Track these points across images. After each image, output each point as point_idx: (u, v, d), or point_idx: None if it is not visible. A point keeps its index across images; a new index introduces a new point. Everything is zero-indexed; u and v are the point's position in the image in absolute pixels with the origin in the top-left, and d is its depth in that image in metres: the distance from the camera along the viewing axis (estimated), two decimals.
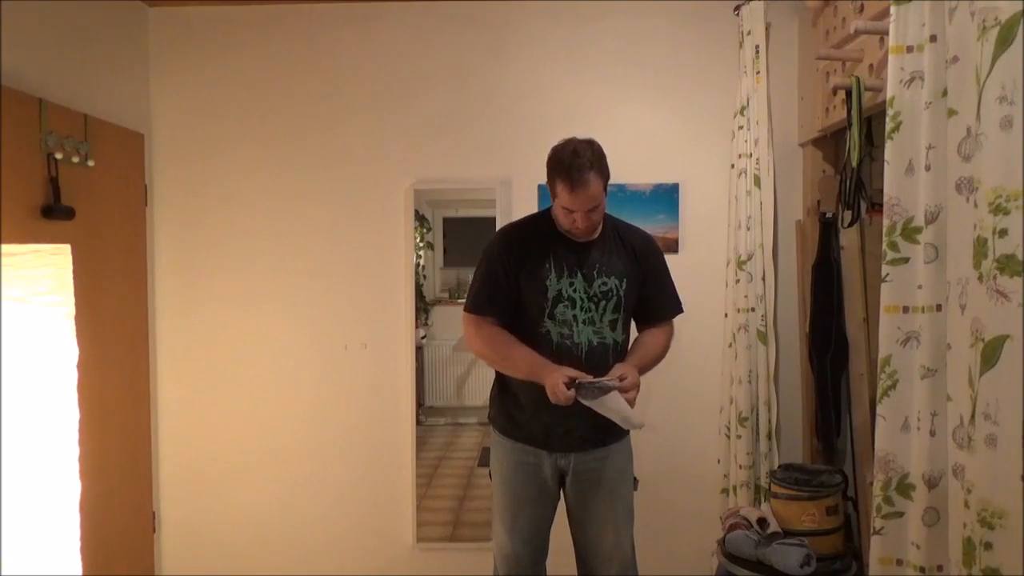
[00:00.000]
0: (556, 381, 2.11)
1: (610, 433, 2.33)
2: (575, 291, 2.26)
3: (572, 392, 2.10)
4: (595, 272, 2.27)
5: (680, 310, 2.44)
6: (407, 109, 3.33)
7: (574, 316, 2.25)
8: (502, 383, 2.40)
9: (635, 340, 2.39)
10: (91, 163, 2.81)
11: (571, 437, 2.30)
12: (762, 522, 2.62)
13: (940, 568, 1.71)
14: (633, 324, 2.43)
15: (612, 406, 2.13)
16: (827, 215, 2.88)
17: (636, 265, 2.32)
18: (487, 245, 2.38)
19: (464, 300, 2.38)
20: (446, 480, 3.64)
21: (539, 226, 2.33)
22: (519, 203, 3.22)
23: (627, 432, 2.39)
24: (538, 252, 2.29)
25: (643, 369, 2.28)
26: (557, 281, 2.26)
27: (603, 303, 2.27)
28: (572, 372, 2.13)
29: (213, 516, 3.39)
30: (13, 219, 2.41)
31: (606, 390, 2.12)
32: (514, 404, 2.35)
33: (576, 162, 2.13)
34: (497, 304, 2.30)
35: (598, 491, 2.34)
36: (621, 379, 2.14)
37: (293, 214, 3.36)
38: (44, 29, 2.69)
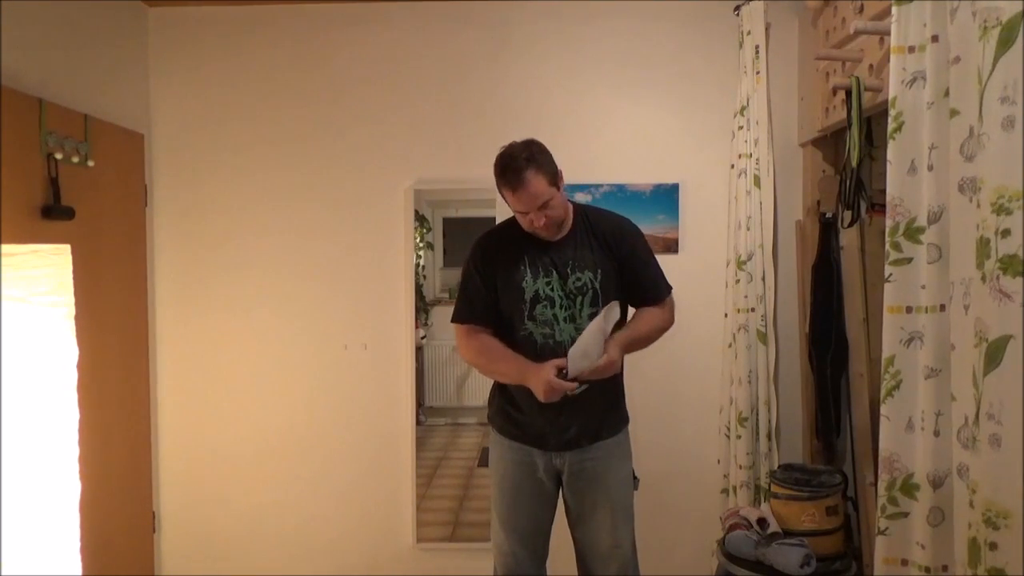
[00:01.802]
0: (547, 379, 2.11)
1: (604, 428, 2.34)
2: (552, 290, 2.27)
3: (570, 384, 2.11)
4: (569, 269, 2.27)
5: (669, 289, 2.40)
6: (407, 109, 3.32)
7: (554, 315, 2.26)
8: (500, 382, 2.41)
9: (631, 317, 2.38)
10: (91, 163, 2.80)
11: (565, 435, 2.30)
12: (762, 522, 2.62)
13: (945, 568, 1.71)
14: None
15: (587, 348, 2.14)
16: (827, 215, 2.88)
17: (609, 254, 2.31)
18: (466, 257, 2.40)
19: None
20: (446, 480, 3.64)
21: (513, 231, 2.33)
22: None
23: (621, 427, 2.40)
24: (512, 256, 2.30)
25: (634, 344, 2.29)
26: (533, 282, 2.27)
27: (579, 298, 2.27)
28: (558, 362, 2.14)
29: (213, 516, 3.39)
30: (13, 219, 2.40)
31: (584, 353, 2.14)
32: (511, 403, 2.36)
33: (512, 164, 2.16)
34: (479, 313, 2.33)
35: (594, 490, 2.34)
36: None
37: (293, 214, 3.35)
38: (44, 29, 2.69)
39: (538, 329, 2.27)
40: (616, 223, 2.39)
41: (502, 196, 2.25)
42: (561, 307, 2.26)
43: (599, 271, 2.28)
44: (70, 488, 1.08)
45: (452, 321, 2.38)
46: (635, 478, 2.42)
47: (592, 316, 2.26)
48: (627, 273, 2.33)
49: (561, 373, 2.12)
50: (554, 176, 2.21)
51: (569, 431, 2.30)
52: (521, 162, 2.15)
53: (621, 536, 2.35)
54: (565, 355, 2.20)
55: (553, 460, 2.34)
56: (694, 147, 3.27)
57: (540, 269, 2.28)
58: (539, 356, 2.22)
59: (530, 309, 2.27)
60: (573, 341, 2.23)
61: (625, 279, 2.33)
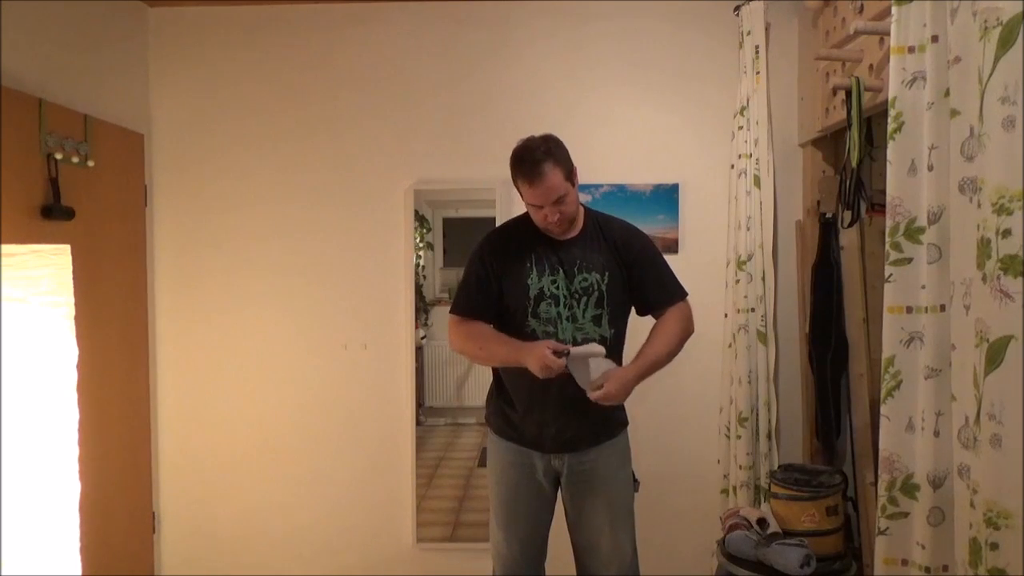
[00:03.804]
0: (541, 355, 2.09)
1: (603, 431, 2.34)
2: (557, 288, 2.27)
3: (563, 362, 2.10)
4: (576, 269, 2.27)
5: (683, 293, 2.36)
6: (407, 109, 3.32)
7: (558, 313, 2.26)
8: (498, 383, 2.41)
9: (647, 339, 2.32)
10: (91, 163, 2.80)
11: (563, 437, 2.30)
12: (762, 522, 2.61)
13: (945, 568, 1.71)
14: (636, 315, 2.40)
15: (590, 370, 2.14)
16: (827, 215, 2.88)
17: (618, 257, 2.30)
18: (473, 249, 2.40)
19: None
20: (446, 480, 3.64)
21: (522, 227, 2.34)
22: (519, 203, 3.18)
23: (620, 430, 2.39)
24: (520, 252, 2.30)
25: (653, 367, 2.25)
26: (539, 279, 2.27)
27: (584, 299, 2.26)
28: (553, 344, 2.13)
29: (213, 516, 3.39)
30: (13, 219, 2.41)
31: (591, 354, 2.14)
32: (508, 404, 2.36)
33: (530, 157, 2.16)
34: (478, 305, 2.33)
35: (593, 492, 2.34)
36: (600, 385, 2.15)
37: (293, 214, 3.35)
38: (44, 29, 2.69)
39: (541, 327, 2.26)
40: (626, 227, 2.39)
41: (517, 189, 2.25)
42: (565, 306, 2.26)
43: (606, 273, 2.28)
44: (70, 488, 1.08)
45: (451, 312, 2.37)
46: (635, 480, 2.42)
47: (596, 319, 2.27)
48: (635, 275, 2.32)
49: (561, 353, 2.11)
50: (570, 172, 2.22)
51: (567, 433, 2.29)
52: (539, 155, 2.15)
53: (621, 539, 2.34)
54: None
55: (552, 462, 2.34)
56: (694, 147, 3.27)
57: (547, 267, 2.28)
58: None
59: (534, 306, 2.27)
60: (575, 341, 2.23)
61: (634, 281, 2.32)
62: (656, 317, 2.36)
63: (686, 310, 2.36)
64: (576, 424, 2.28)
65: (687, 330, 2.34)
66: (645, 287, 2.34)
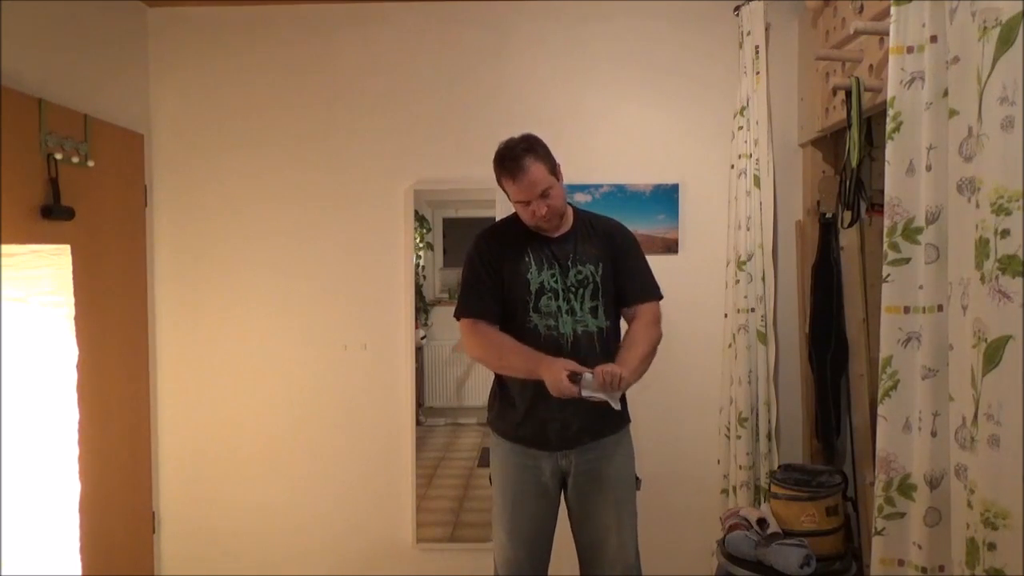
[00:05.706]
0: (558, 376, 2.10)
1: (607, 424, 2.33)
2: (556, 282, 2.29)
3: (576, 388, 2.10)
4: (570, 262, 2.30)
5: (658, 294, 2.39)
6: (407, 109, 3.32)
7: (558, 307, 2.28)
8: (500, 384, 2.41)
9: (622, 342, 2.33)
10: (91, 163, 2.80)
11: (568, 432, 2.30)
12: (762, 522, 2.62)
13: (942, 568, 1.71)
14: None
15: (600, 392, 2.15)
16: (827, 215, 2.88)
17: (608, 250, 2.35)
18: (467, 252, 2.41)
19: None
20: (446, 480, 3.64)
21: (514, 226, 2.36)
22: None
23: (623, 426, 2.40)
24: (516, 249, 2.33)
25: (640, 367, 2.25)
26: (538, 274, 2.29)
27: (581, 291, 2.29)
28: (571, 365, 2.13)
29: (213, 516, 3.39)
30: (13, 219, 2.41)
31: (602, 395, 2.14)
32: (511, 404, 2.36)
33: (511, 154, 2.22)
34: (485, 306, 2.33)
35: (601, 491, 2.34)
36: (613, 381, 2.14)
37: (293, 215, 3.35)
38: (44, 29, 2.69)
39: (542, 321, 2.28)
40: (614, 223, 2.45)
41: (503, 188, 2.28)
42: (563, 299, 2.28)
43: (600, 264, 2.31)
44: (70, 488, 1.08)
45: (459, 316, 2.35)
46: (637, 479, 2.42)
47: (593, 310, 2.29)
48: (620, 267, 2.35)
49: (575, 377, 2.12)
50: (552, 166, 2.25)
51: (571, 428, 2.29)
52: (519, 151, 2.21)
53: (626, 538, 2.34)
54: (567, 346, 2.23)
55: (558, 461, 2.34)
56: (694, 147, 3.27)
57: (544, 261, 2.30)
58: (542, 347, 2.23)
59: (535, 301, 2.28)
60: (575, 334, 2.25)
61: (617, 274, 2.35)
62: (628, 315, 2.38)
63: (656, 312, 2.38)
64: (580, 418, 2.28)
65: (658, 335, 2.35)
66: (623, 279, 2.36)
